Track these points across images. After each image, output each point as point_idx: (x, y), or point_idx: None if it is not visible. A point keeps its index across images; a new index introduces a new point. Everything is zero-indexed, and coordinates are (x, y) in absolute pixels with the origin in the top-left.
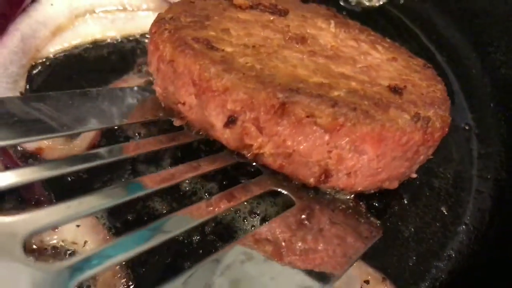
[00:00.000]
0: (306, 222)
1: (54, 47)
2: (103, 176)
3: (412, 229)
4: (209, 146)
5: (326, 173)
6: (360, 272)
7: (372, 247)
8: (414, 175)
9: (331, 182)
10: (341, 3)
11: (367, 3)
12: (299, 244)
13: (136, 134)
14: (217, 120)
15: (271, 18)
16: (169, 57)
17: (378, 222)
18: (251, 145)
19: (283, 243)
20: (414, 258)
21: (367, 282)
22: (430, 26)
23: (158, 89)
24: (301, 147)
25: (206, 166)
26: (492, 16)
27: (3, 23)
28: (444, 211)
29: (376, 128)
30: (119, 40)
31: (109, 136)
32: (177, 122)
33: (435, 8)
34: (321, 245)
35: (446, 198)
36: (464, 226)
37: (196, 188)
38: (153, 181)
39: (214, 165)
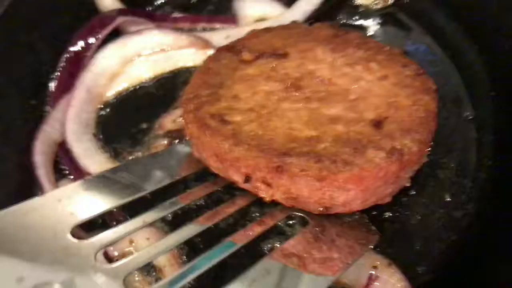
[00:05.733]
0: (320, 235)
1: (112, 92)
2: None
3: (419, 217)
4: None
5: (326, 207)
6: (369, 260)
7: (384, 238)
8: (408, 184)
9: (331, 211)
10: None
11: None
12: (318, 254)
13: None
14: (238, 179)
15: (274, 65)
16: (196, 134)
17: (375, 229)
18: (265, 196)
19: (305, 255)
20: (419, 243)
21: (375, 267)
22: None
23: (196, 154)
24: (302, 192)
25: (241, 202)
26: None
27: (73, 81)
28: (448, 199)
29: (355, 172)
30: (163, 77)
31: None
32: None
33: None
34: (335, 254)
35: (450, 186)
36: (465, 211)
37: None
38: (204, 218)
39: (247, 200)
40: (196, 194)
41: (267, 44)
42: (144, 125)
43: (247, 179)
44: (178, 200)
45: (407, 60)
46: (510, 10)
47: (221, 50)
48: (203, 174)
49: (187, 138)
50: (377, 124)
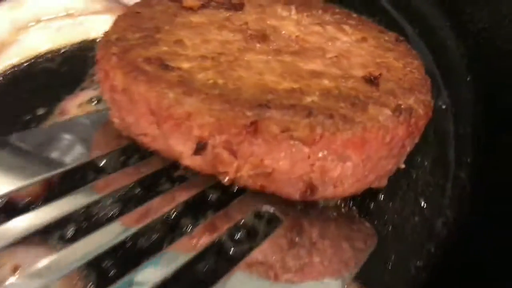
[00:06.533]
0: (296, 239)
1: (0, 66)
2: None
3: (390, 228)
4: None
5: (311, 188)
6: None
7: None
8: (403, 166)
9: (317, 195)
10: None
11: None
12: (293, 262)
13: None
14: (185, 148)
15: (227, 15)
16: (122, 85)
17: (370, 227)
18: (227, 172)
19: (277, 264)
20: (392, 258)
21: None
22: None
23: (116, 121)
24: (281, 164)
25: (182, 194)
26: None
27: None
28: (423, 203)
29: (357, 132)
30: (68, 50)
31: None
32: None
33: None
34: (316, 257)
35: (424, 188)
36: (443, 218)
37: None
38: (127, 221)
39: (191, 192)
40: (115, 182)
41: None
42: (41, 111)
43: (201, 146)
44: (88, 190)
45: (382, 28)
46: None
47: None
48: (127, 154)
49: (103, 98)
50: (372, 80)
